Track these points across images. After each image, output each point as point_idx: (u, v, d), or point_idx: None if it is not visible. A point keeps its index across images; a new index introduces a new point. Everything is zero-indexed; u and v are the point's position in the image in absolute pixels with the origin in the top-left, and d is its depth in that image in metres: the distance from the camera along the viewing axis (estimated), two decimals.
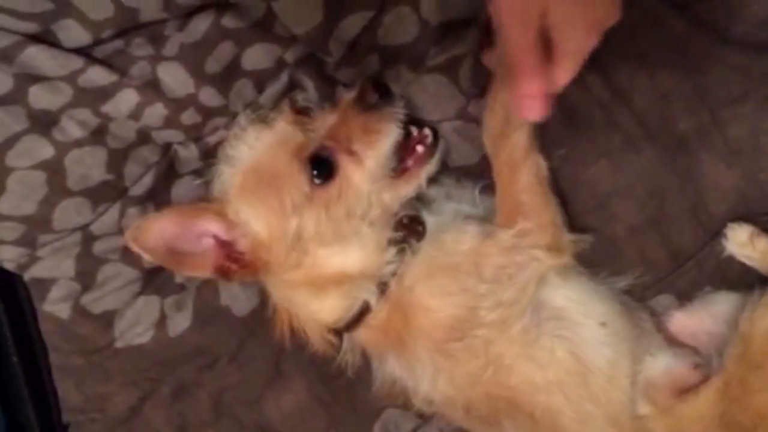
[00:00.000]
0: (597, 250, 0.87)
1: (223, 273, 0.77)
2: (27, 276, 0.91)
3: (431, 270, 0.79)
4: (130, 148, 0.86)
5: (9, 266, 0.90)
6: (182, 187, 0.91)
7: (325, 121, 0.79)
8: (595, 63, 0.81)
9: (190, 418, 0.97)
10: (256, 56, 0.84)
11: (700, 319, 0.87)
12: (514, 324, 0.78)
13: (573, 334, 0.80)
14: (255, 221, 0.77)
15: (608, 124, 0.83)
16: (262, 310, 0.93)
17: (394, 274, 0.79)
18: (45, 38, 0.78)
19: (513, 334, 0.78)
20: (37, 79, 0.79)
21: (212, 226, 0.77)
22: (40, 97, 0.79)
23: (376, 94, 0.78)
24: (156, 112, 0.83)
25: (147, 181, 0.89)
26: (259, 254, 0.77)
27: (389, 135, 0.78)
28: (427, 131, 0.81)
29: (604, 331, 0.81)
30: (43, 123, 0.80)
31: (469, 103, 0.86)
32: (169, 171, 0.90)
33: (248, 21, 0.82)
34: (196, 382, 0.97)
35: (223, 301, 0.93)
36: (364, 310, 0.80)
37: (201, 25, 0.80)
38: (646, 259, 0.87)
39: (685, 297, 0.88)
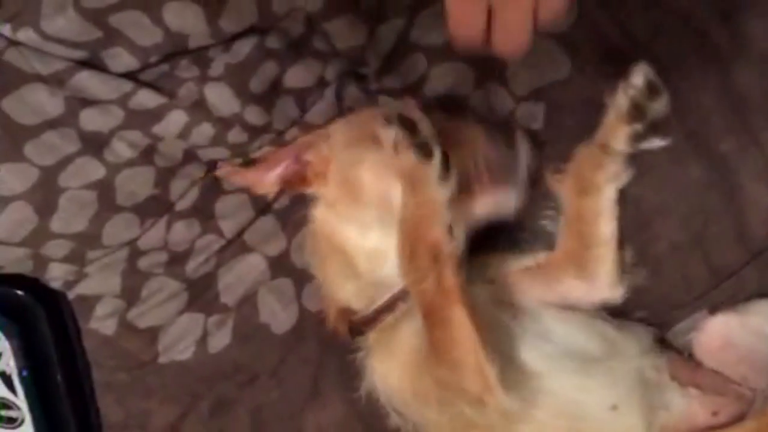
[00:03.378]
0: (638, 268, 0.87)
1: (289, 183, 0.82)
2: (72, 294, 0.93)
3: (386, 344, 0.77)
4: (178, 166, 0.88)
5: (55, 284, 0.92)
6: (227, 203, 0.92)
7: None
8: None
9: None
10: (298, 74, 0.86)
11: (734, 330, 0.84)
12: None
13: (578, 422, 0.75)
14: (336, 146, 0.80)
15: None
16: (301, 328, 0.95)
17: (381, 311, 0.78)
18: (93, 64, 0.81)
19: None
20: (89, 102, 0.81)
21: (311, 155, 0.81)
22: (91, 120, 0.81)
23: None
24: (204, 131, 0.85)
25: (192, 195, 0.91)
26: (318, 168, 0.80)
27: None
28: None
29: (615, 413, 0.76)
30: (95, 144, 0.82)
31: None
32: (213, 186, 0.92)
33: (289, 40, 0.84)
34: (235, 398, 0.97)
35: (263, 319, 0.94)
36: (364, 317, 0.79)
37: (245, 46, 0.83)
38: (686, 277, 0.87)
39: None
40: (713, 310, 0.87)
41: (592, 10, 0.85)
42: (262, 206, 0.93)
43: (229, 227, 0.92)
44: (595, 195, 0.77)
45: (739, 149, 0.83)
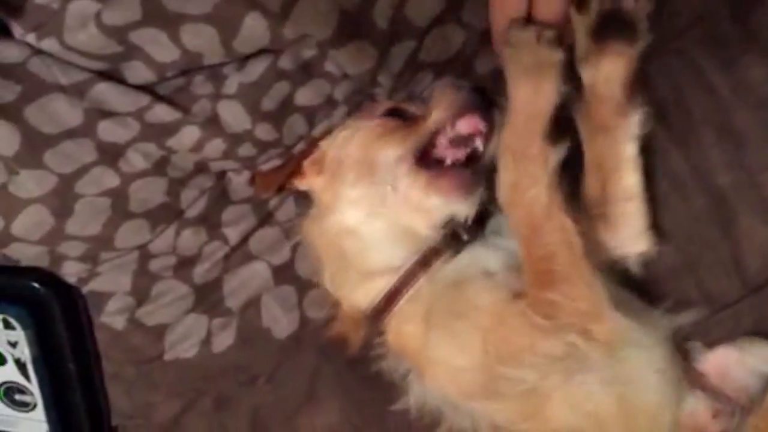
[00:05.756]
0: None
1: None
2: (85, 289, 0.97)
3: (447, 320, 0.74)
4: (189, 177, 0.91)
5: (70, 280, 0.96)
6: (232, 213, 0.96)
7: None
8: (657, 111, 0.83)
9: (230, 428, 1.02)
10: (308, 94, 0.89)
11: (732, 364, 0.86)
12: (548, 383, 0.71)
13: (627, 385, 0.74)
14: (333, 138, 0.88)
15: (659, 168, 0.83)
16: (301, 334, 0.98)
17: (403, 285, 0.79)
18: (112, 75, 0.84)
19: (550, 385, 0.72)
20: (107, 114, 0.84)
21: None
22: (109, 131, 0.84)
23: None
24: (215, 146, 0.88)
25: (201, 204, 0.95)
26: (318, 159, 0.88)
27: (441, 107, 0.82)
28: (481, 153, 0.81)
29: (660, 378, 0.75)
30: (111, 154, 0.86)
31: None
32: (221, 196, 0.96)
33: (301, 62, 0.86)
34: (235, 396, 1.02)
35: (265, 323, 0.98)
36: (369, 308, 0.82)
37: (258, 67, 0.85)
38: (682, 300, 0.87)
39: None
40: (711, 344, 0.88)
41: None
42: (264, 215, 0.97)
43: (233, 234, 0.96)
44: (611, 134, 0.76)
45: (735, 185, 0.84)
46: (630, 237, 0.81)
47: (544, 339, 0.69)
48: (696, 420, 0.81)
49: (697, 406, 0.82)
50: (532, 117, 0.70)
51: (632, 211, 0.80)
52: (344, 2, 0.79)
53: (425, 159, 0.83)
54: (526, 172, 0.70)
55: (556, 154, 0.71)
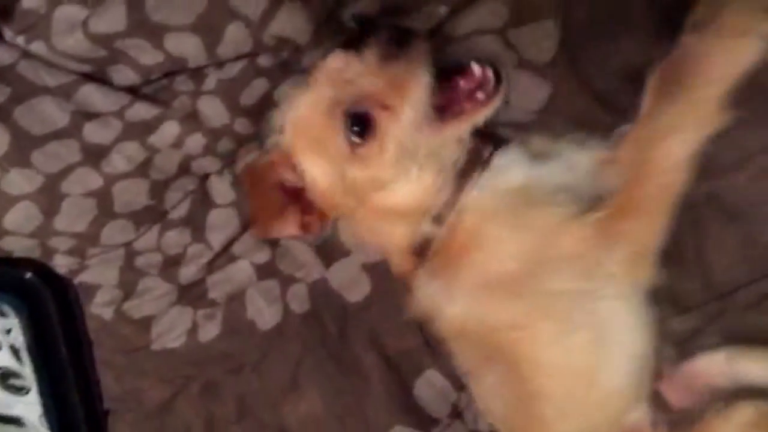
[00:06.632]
0: None
1: (306, 227, 0.82)
2: (76, 280, 1.01)
3: (501, 218, 0.77)
4: (171, 179, 0.94)
5: (61, 271, 1.00)
6: (216, 217, 0.99)
7: (359, 75, 0.76)
8: None
9: (217, 413, 1.06)
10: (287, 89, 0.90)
11: (713, 371, 0.86)
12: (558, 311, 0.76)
13: (605, 349, 0.77)
14: (312, 170, 0.79)
15: None
16: (284, 326, 1.02)
17: (450, 204, 0.79)
18: (98, 77, 0.87)
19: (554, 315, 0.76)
20: (92, 115, 0.87)
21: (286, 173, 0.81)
22: (93, 132, 0.87)
23: (394, 44, 0.74)
24: (196, 141, 0.91)
25: (184, 206, 0.97)
26: (324, 200, 0.80)
27: (419, 84, 0.74)
28: (489, 74, 0.77)
29: (632, 363, 0.78)
30: (94, 155, 0.88)
31: None
32: (204, 199, 0.98)
33: (280, 60, 0.89)
34: (222, 382, 1.05)
35: (249, 315, 1.01)
36: (427, 241, 0.81)
37: (237, 65, 0.88)
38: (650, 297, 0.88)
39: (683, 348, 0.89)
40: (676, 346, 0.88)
41: None
42: (248, 219, 0.98)
43: (217, 239, 0.98)
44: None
45: (706, 194, 0.85)
46: None
47: (595, 252, 0.73)
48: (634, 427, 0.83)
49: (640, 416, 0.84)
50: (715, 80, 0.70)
51: None
52: (318, 12, 0.81)
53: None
54: (683, 117, 0.71)
55: (720, 120, 0.71)
